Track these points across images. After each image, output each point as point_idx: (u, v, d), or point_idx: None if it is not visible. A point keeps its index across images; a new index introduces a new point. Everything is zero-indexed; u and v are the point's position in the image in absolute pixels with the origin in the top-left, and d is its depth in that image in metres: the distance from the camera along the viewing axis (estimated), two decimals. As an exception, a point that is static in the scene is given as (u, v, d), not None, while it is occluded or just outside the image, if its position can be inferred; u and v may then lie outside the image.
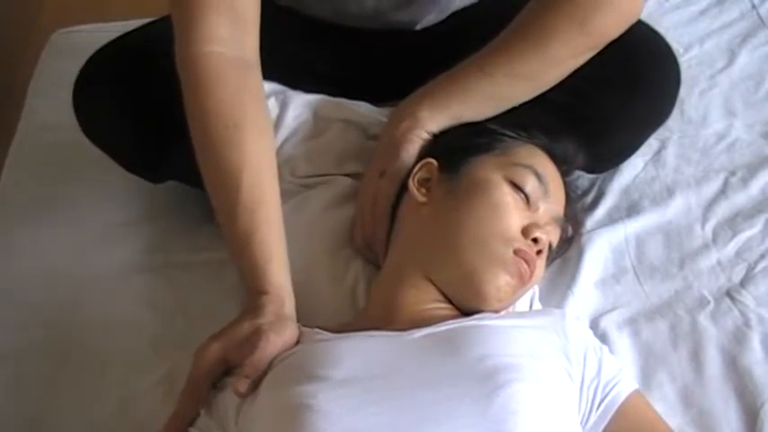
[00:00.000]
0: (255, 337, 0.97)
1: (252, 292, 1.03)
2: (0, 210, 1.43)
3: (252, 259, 1.04)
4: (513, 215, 1.05)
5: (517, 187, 1.07)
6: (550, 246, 1.10)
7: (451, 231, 1.06)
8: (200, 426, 0.99)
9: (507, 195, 1.06)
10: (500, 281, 1.02)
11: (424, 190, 1.11)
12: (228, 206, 1.06)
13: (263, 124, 1.12)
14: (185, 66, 1.10)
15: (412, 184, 1.12)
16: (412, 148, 1.16)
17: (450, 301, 1.06)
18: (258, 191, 1.06)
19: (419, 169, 1.13)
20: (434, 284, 1.05)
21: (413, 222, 1.11)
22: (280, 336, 0.98)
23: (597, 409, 0.96)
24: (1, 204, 1.44)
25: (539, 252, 1.06)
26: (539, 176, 1.08)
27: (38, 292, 1.29)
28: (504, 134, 1.12)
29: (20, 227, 1.39)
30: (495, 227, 1.04)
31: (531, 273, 1.05)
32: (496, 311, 1.05)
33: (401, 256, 1.09)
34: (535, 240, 1.05)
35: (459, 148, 1.12)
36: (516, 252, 1.03)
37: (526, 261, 1.03)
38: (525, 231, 1.05)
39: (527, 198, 1.07)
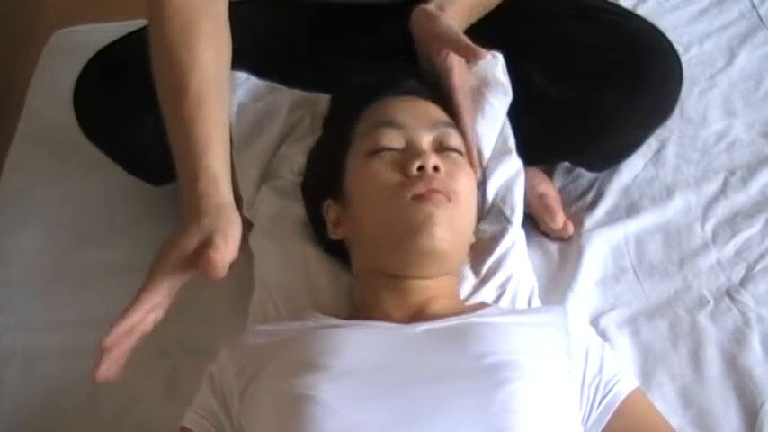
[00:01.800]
0: (206, 246, 0.93)
1: (188, 183, 1.00)
2: (0, 209, 1.43)
3: (189, 146, 1.01)
4: (385, 173, 1.03)
5: (376, 151, 1.06)
6: (458, 151, 1.08)
7: (370, 229, 1.06)
8: (202, 403, 1.00)
9: (373, 163, 1.05)
10: (427, 228, 1.00)
11: (340, 229, 1.11)
12: (174, 105, 1.03)
13: (219, 32, 1.09)
14: None
15: (332, 231, 1.11)
16: None
17: (437, 288, 1.05)
18: (206, 91, 1.03)
19: (327, 215, 1.12)
20: (401, 276, 1.04)
21: (351, 245, 1.11)
22: (226, 240, 0.94)
23: (598, 406, 0.96)
24: (1, 204, 1.44)
25: (435, 169, 1.03)
26: (385, 123, 1.07)
27: (38, 292, 1.30)
28: (344, 126, 1.12)
29: (20, 227, 1.39)
30: (382, 195, 1.03)
31: (443, 190, 1.01)
32: (453, 258, 1.04)
33: (361, 269, 1.09)
34: (420, 169, 1.02)
35: (329, 173, 1.12)
36: (414, 197, 1.01)
37: (429, 190, 1.01)
38: (406, 173, 1.03)
39: (392, 148, 1.06)
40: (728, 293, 1.21)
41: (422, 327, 0.98)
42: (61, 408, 1.15)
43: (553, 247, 1.29)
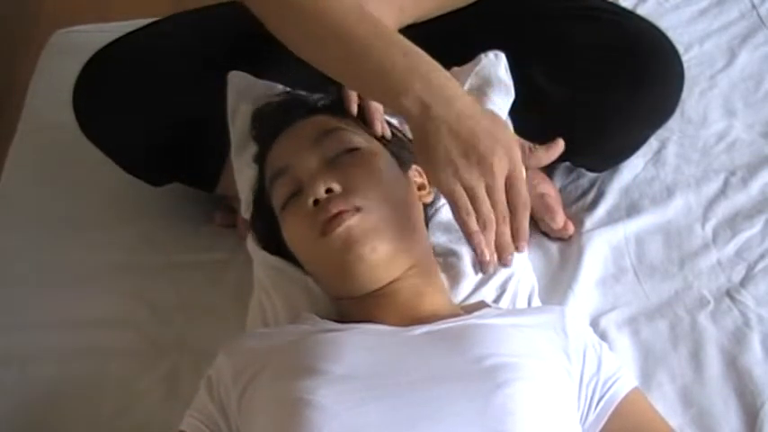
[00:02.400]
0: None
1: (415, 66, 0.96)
2: (0, 209, 1.43)
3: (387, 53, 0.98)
4: (295, 222, 1.03)
5: (283, 205, 1.05)
6: (353, 148, 1.04)
7: (314, 274, 1.08)
8: (200, 407, 0.99)
9: (287, 217, 1.04)
10: (351, 251, 0.98)
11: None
12: (346, 33, 1.00)
13: None
14: None
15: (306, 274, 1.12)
16: None
17: (429, 293, 1.04)
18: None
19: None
20: (368, 292, 1.03)
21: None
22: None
23: (596, 406, 0.96)
24: (1, 204, 1.44)
25: (329, 191, 1.00)
26: (275, 174, 1.06)
27: (38, 292, 1.29)
28: (263, 190, 1.12)
29: (20, 227, 1.39)
30: (302, 243, 1.04)
31: (345, 207, 0.98)
32: (403, 254, 1.01)
33: (336, 299, 1.09)
34: (315, 203, 1.00)
35: (273, 231, 1.11)
36: (321, 233, 0.99)
37: (329, 218, 0.98)
38: (306, 213, 1.01)
39: (294, 194, 1.04)
40: (729, 294, 1.21)
41: (420, 330, 0.97)
42: (61, 408, 1.15)
43: (553, 247, 1.29)
